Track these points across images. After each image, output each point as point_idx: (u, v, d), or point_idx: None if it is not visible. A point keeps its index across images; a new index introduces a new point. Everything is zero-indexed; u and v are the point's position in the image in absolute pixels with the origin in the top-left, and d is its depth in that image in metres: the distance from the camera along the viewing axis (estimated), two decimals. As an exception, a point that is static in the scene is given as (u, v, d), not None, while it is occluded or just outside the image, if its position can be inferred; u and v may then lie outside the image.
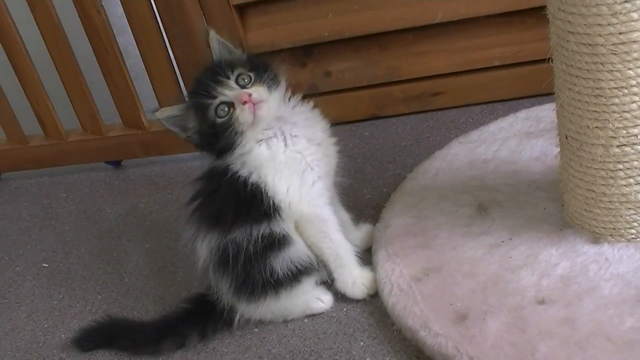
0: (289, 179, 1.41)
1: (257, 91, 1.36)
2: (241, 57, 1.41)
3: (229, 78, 1.36)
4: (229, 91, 1.35)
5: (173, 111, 1.40)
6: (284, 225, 1.42)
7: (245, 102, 1.34)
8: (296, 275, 1.44)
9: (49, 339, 1.64)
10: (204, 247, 1.44)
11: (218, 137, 1.37)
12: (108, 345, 1.54)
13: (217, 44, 1.40)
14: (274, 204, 1.40)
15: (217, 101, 1.35)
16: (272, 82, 1.39)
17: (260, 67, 1.39)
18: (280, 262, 1.42)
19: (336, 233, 1.47)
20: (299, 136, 1.43)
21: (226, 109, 1.35)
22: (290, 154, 1.41)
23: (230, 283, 1.43)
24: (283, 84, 1.42)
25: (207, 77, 1.38)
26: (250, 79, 1.37)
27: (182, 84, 2.13)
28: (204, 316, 1.49)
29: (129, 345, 1.52)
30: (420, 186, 1.69)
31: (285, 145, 1.41)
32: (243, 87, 1.36)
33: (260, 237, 1.39)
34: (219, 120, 1.36)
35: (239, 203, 1.40)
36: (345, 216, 1.58)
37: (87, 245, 1.95)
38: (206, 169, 1.46)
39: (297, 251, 1.44)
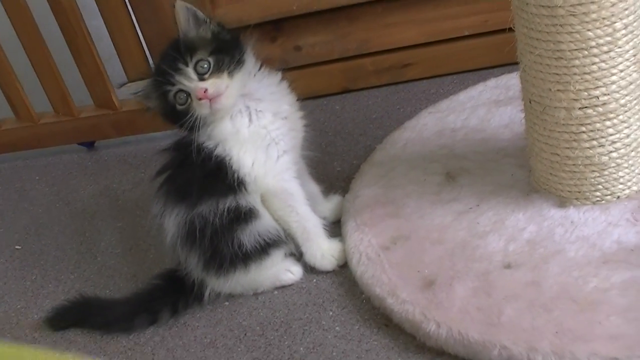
0: (253, 154, 1.41)
1: (215, 84, 1.33)
2: (205, 35, 1.37)
3: (187, 65, 1.33)
4: (187, 81, 1.33)
5: (138, 87, 1.39)
6: (250, 199, 1.42)
7: (200, 98, 1.33)
8: (264, 247, 1.44)
9: (22, 319, 1.63)
10: (172, 221, 1.44)
11: (179, 119, 1.37)
12: (80, 324, 1.54)
13: (185, 13, 1.35)
14: (239, 178, 1.40)
15: (175, 88, 1.34)
16: (234, 65, 1.36)
17: (224, 47, 1.36)
18: (248, 235, 1.41)
19: (303, 207, 1.47)
20: (264, 111, 1.42)
21: (184, 96, 1.35)
22: (254, 130, 1.40)
23: (199, 257, 1.43)
24: (249, 60, 1.40)
25: (167, 61, 1.35)
26: (209, 67, 1.34)
27: (151, 62, 2.11)
28: (174, 292, 1.49)
29: (101, 323, 1.52)
30: (389, 156, 1.69)
31: (250, 120, 1.41)
32: (201, 75, 1.33)
33: (226, 211, 1.39)
34: (178, 106, 1.36)
35: (204, 176, 1.40)
36: (315, 188, 1.58)
37: (60, 226, 1.95)
38: (173, 140, 1.46)
39: (264, 224, 1.44)
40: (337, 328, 1.35)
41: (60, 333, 1.55)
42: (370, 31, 2.06)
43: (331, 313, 1.39)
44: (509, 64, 1.90)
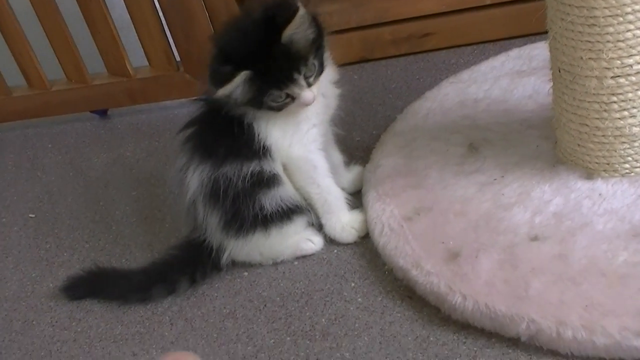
0: (284, 126, 1.39)
1: (316, 88, 1.34)
2: (312, 36, 1.32)
3: (300, 73, 1.31)
4: (298, 89, 1.32)
5: (234, 85, 1.29)
6: (275, 165, 1.40)
7: (307, 105, 1.34)
8: (287, 213, 1.42)
9: (37, 288, 1.62)
10: (195, 177, 1.41)
11: (255, 106, 1.34)
12: (97, 294, 1.53)
13: (302, 22, 1.29)
14: (265, 145, 1.38)
15: (282, 93, 1.32)
16: (325, 65, 1.37)
17: (320, 42, 1.34)
18: (270, 200, 1.40)
19: (325, 179, 1.45)
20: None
21: (283, 96, 1.33)
22: (291, 107, 1.37)
23: (220, 217, 1.41)
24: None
25: (279, 66, 1.29)
26: (314, 70, 1.33)
27: (167, 31, 2.08)
28: (192, 262, 1.47)
29: (118, 294, 1.50)
30: (410, 127, 1.66)
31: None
32: (307, 79, 1.32)
33: (249, 174, 1.37)
34: (270, 103, 1.33)
35: (232, 138, 1.37)
36: (338, 158, 1.55)
37: (73, 195, 1.92)
38: (205, 98, 1.43)
39: (286, 191, 1.42)
40: (359, 299, 1.33)
41: (77, 302, 1.53)
42: (389, 0, 2.02)
43: (353, 284, 1.37)
44: (531, 34, 1.88)
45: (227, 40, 1.35)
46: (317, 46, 1.33)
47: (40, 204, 1.92)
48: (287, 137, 1.39)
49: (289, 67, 1.30)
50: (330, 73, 1.42)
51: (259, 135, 1.37)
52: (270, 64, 1.29)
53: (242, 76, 1.27)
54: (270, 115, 1.37)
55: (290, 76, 1.31)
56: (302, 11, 1.27)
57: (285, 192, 1.41)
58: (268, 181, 1.39)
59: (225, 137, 1.38)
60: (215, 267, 1.47)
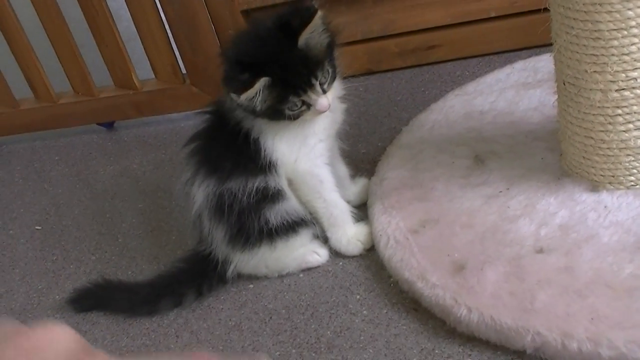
0: (290, 141, 1.39)
1: (332, 95, 1.35)
2: (325, 42, 1.32)
3: (317, 79, 1.31)
4: (315, 95, 1.31)
5: (253, 92, 1.27)
6: (279, 181, 1.40)
7: (323, 112, 1.33)
8: (292, 226, 1.42)
9: (44, 300, 1.62)
10: (201, 192, 1.41)
11: (273, 116, 1.33)
12: (103, 307, 1.53)
13: (318, 25, 1.28)
14: (270, 161, 1.37)
15: (299, 100, 1.31)
16: (339, 72, 1.37)
17: (333, 47, 1.34)
18: (275, 214, 1.40)
19: (331, 193, 1.44)
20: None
21: (299, 104, 1.32)
22: (298, 122, 1.36)
23: (225, 231, 1.42)
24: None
25: (298, 72, 1.29)
26: (329, 76, 1.33)
27: (173, 43, 2.09)
28: (199, 275, 1.48)
29: (125, 306, 1.50)
30: (416, 139, 1.67)
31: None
32: (322, 85, 1.32)
33: (254, 190, 1.37)
34: (288, 112, 1.32)
35: (238, 153, 1.37)
36: (344, 171, 1.56)
37: (80, 207, 1.93)
38: (212, 107, 1.43)
39: (291, 205, 1.42)
40: (364, 312, 1.33)
41: (83, 314, 1.53)
42: (395, 12, 2.02)
43: (358, 297, 1.37)
44: (536, 47, 1.88)
45: (243, 49, 1.34)
46: (330, 51, 1.33)
47: (47, 216, 1.93)
48: (293, 151, 1.39)
49: (307, 73, 1.29)
50: (336, 88, 1.42)
51: (265, 150, 1.37)
52: (287, 70, 1.28)
53: (262, 82, 1.26)
54: (277, 130, 1.36)
55: (309, 82, 1.30)
56: (320, 13, 1.27)
57: (290, 206, 1.41)
58: (273, 196, 1.39)
59: (230, 152, 1.38)
60: (221, 279, 1.47)
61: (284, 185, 1.41)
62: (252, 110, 1.32)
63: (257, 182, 1.37)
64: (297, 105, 1.31)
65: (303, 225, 1.44)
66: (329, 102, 1.33)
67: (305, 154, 1.40)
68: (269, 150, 1.37)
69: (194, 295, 1.47)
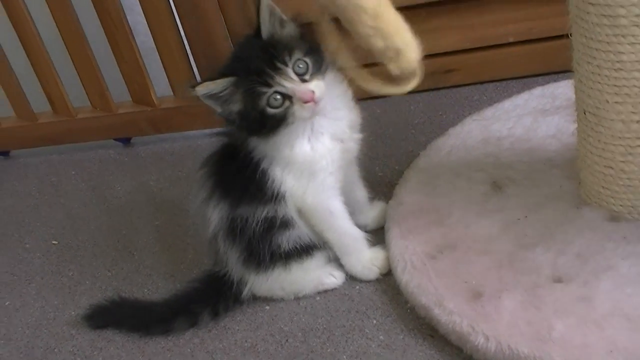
0: (298, 174, 1.37)
1: (319, 87, 1.27)
2: (295, 34, 1.30)
3: (286, 65, 1.25)
4: (288, 83, 1.25)
5: (216, 87, 1.27)
6: (288, 210, 1.39)
7: (307, 102, 1.27)
8: (305, 249, 1.43)
9: (59, 315, 1.63)
10: (216, 213, 1.42)
11: (263, 124, 1.29)
12: (119, 325, 1.53)
13: (268, 11, 1.26)
14: (279, 192, 1.37)
15: (271, 90, 1.25)
16: (325, 69, 1.31)
17: (315, 49, 1.29)
18: (286, 239, 1.41)
19: (343, 223, 1.44)
20: (324, 133, 1.36)
21: (279, 98, 1.26)
22: (306, 157, 1.35)
23: (240, 253, 1.42)
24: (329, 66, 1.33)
25: (261, 58, 1.25)
26: (307, 68, 1.27)
27: (192, 60, 2.11)
28: (215, 294, 1.48)
29: (140, 325, 1.50)
30: (433, 163, 1.67)
31: (309, 145, 1.36)
32: (301, 76, 1.26)
33: (263, 218, 1.38)
34: (270, 110, 1.27)
35: (248, 181, 1.37)
36: (363, 195, 1.55)
37: (96, 222, 1.94)
38: (228, 130, 1.42)
39: (302, 232, 1.42)
40: (380, 337, 1.33)
41: (98, 331, 1.54)
42: (413, 35, 2.03)
43: (375, 321, 1.37)
44: (554, 73, 1.88)
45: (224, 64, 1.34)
46: (308, 46, 1.28)
47: (63, 231, 1.94)
48: (302, 185, 1.37)
49: (270, 58, 1.25)
50: (349, 117, 1.40)
51: (273, 181, 1.36)
52: (252, 62, 1.26)
53: (227, 80, 1.26)
54: (287, 162, 1.35)
55: (274, 67, 1.25)
56: (264, 2, 1.25)
57: (301, 232, 1.42)
58: (282, 224, 1.39)
59: (241, 179, 1.37)
60: (237, 300, 1.47)
61: (293, 214, 1.40)
62: (234, 120, 1.30)
63: (266, 211, 1.37)
64: (276, 100, 1.26)
65: (317, 248, 1.45)
66: (314, 90, 1.26)
67: (314, 187, 1.38)
68: (278, 182, 1.36)
69: (209, 315, 1.47)
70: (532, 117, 1.72)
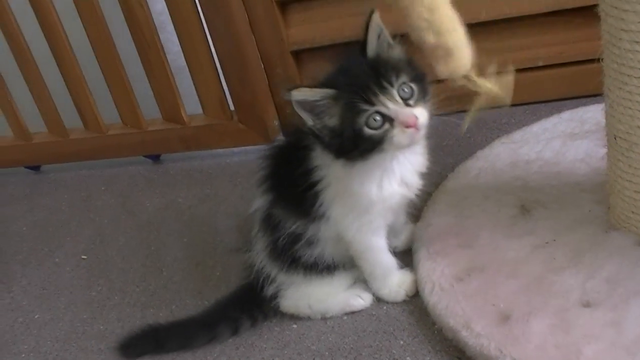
0: (350, 207, 1.35)
1: (422, 114, 1.23)
2: (402, 58, 1.26)
3: (392, 86, 1.20)
4: (392, 104, 1.20)
5: (314, 95, 1.21)
6: (321, 232, 1.39)
7: (409, 126, 1.22)
8: (327, 268, 1.43)
9: (88, 329, 1.65)
10: (260, 199, 1.42)
11: (356, 145, 1.23)
12: (159, 349, 1.49)
13: (377, 31, 1.23)
14: (322, 215, 1.36)
15: (373, 109, 1.20)
16: (429, 100, 1.27)
17: (421, 77, 1.26)
18: (308, 254, 1.41)
19: (380, 259, 1.44)
20: (396, 175, 1.34)
21: (379, 119, 1.20)
22: (370, 196, 1.32)
23: (266, 244, 1.44)
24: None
25: (367, 75, 1.21)
26: (412, 93, 1.23)
27: (222, 78, 2.13)
28: (251, 301, 1.49)
29: (185, 340, 1.48)
30: (462, 186, 1.67)
31: (376, 183, 1.32)
32: (405, 100, 1.22)
33: (291, 230, 1.38)
34: (367, 130, 1.21)
35: (295, 191, 1.35)
36: (402, 221, 1.54)
37: (125, 238, 1.96)
38: (298, 129, 1.33)
39: (326, 253, 1.42)
40: (407, 358, 1.34)
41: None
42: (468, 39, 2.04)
43: (402, 342, 1.37)
44: (583, 97, 1.88)
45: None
46: (415, 73, 1.25)
47: (93, 246, 1.96)
48: (349, 217, 1.36)
49: (377, 75, 1.20)
50: (421, 163, 1.39)
51: (321, 205, 1.34)
52: (359, 77, 1.21)
53: (326, 91, 1.21)
54: (342, 195, 1.33)
55: (380, 84, 1.19)
56: (375, 16, 1.21)
57: (325, 252, 1.42)
58: (307, 241, 1.39)
59: (291, 185, 1.35)
60: (272, 308, 1.49)
61: (326, 236, 1.39)
62: (325, 136, 1.24)
63: (296, 226, 1.38)
64: (375, 120, 1.20)
65: (339, 268, 1.45)
66: (417, 116, 1.22)
67: (361, 224, 1.37)
68: (325, 206, 1.35)
69: (249, 321, 1.48)
70: (561, 141, 1.72)
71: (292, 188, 1.36)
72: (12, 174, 2.51)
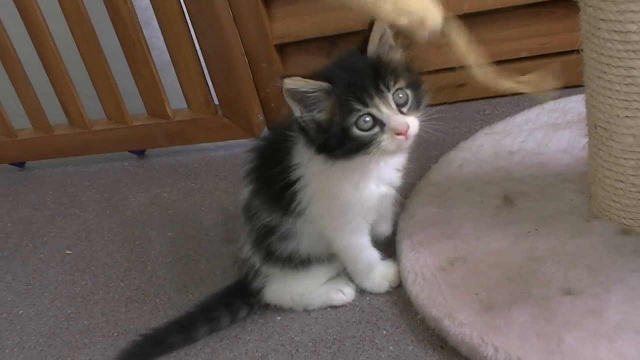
0: (326, 210, 1.35)
1: (414, 123, 1.21)
2: (401, 62, 1.24)
3: (389, 90, 1.19)
4: (385, 108, 1.18)
5: (307, 86, 1.18)
6: (296, 227, 1.38)
7: (399, 134, 1.20)
8: (302, 262, 1.43)
9: (72, 324, 1.64)
10: (244, 190, 1.43)
11: (342, 143, 1.21)
12: (164, 350, 1.47)
13: (381, 32, 1.21)
14: (299, 213, 1.36)
15: (365, 110, 1.18)
16: (422, 109, 1.25)
17: (417, 84, 1.24)
18: (282, 248, 1.41)
19: (363, 256, 1.44)
20: (378, 177, 1.33)
21: (369, 121, 1.18)
22: (348, 197, 1.32)
23: (249, 234, 1.45)
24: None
25: (365, 75, 1.19)
26: (407, 100, 1.21)
27: (207, 73, 2.13)
28: (243, 292, 1.50)
29: (187, 333, 1.47)
30: (445, 177, 1.68)
31: (355, 188, 1.31)
32: (399, 106, 1.20)
33: (266, 222, 1.39)
34: (356, 131, 1.19)
35: (274, 186, 1.34)
36: (389, 211, 1.51)
37: (110, 233, 1.96)
38: (284, 125, 1.33)
39: (301, 247, 1.42)
40: (390, 348, 1.34)
41: (111, 340, 1.56)
42: (426, 50, 2.04)
43: (385, 332, 1.37)
44: (565, 87, 1.88)
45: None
46: (411, 80, 1.23)
47: (78, 241, 1.96)
48: (329, 217, 1.36)
49: (375, 77, 1.18)
50: (401, 162, 1.38)
51: (299, 203, 1.34)
52: (356, 76, 1.19)
53: (321, 84, 1.18)
54: (321, 192, 1.32)
55: (376, 87, 1.18)
56: (380, 24, 1.19)
57: (300, 247, 1.41)
58: (281, 236, 1.39)
59: (270, 179, 1.34)
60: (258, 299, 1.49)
61: (297, 230, 1.38)
62: (310, 130, 1.22)
63: (271, 218, 1.38)
64: (365, 122, 1.18)
65: (314, 263, 1.44)
66: (409, 125, 1.20)
67: (342, 224, 1.37)
68: (303, 204, 1.34)
69: (246, 308, 1.49)
70: (543, 131, 1.73)
71: (272, 183, 1.35)
72: (-4, 171, 2.51)
